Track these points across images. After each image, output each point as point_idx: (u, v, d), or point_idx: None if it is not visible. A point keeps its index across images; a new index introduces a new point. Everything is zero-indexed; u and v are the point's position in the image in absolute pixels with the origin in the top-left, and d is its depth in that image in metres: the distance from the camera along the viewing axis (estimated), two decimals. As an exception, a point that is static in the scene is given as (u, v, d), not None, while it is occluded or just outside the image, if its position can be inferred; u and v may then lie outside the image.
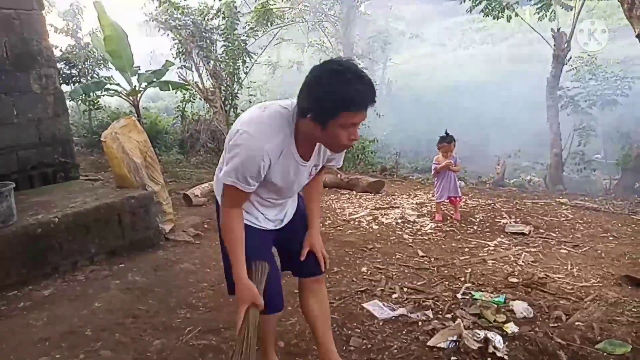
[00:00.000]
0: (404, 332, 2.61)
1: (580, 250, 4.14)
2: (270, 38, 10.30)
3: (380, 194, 6.37)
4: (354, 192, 6.53)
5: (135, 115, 8.35)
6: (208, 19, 9.30)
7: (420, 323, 2.69)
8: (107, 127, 4.49)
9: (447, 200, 5.03)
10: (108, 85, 8.66)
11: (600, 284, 3.30)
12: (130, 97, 8.61)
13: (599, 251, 4.13)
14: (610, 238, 4.55)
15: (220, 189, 1.76)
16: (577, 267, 3.67)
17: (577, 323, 2.59)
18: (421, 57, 19.01)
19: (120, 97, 8.81)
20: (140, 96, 8.65)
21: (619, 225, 5.03)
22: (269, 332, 2.11)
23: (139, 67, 8.59)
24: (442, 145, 4.84)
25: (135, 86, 8.48)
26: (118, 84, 8.75)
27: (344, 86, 1.45)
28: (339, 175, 7.08)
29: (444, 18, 23.20)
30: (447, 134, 4.87)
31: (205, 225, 4.70)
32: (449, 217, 5.04)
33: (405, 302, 3.00)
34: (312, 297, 2.08)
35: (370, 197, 6.20)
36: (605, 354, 2.31)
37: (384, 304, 2.93)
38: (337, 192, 6.71)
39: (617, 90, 8.65)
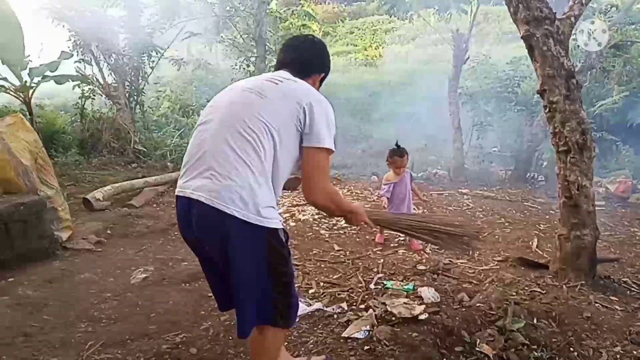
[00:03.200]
0: (319, 326, 2.63)
1: (480, 236, 4.47)
2: (177, 31, 9.83)
3: (297, 191, 6.38)
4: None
5: (28, 113, 7.55)
6: (107, 8, 8.67)
7: (335, 316, 2.72)
8: (-10, 126, 3.99)
9: None
10: (-8, 81, 7.72)
11: (498, 267, 3.58)
12: (21, 94, 7.76)
13: (497, 236, 4.49)
14: (506, 224, 4.97)
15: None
16: (478, 252, 3.95)
17: (478, 304, 2.78)
18: (333, 55, 19.38)
19: (9, 93, 7.90)
20: (33, 92, 7.84)
21: (514, 211, 5.51)
22: None
23: (30, 60, 7.78)
24: (393, 160, 4.02)
25: (26, 81, 7.66)
26: (5, 79, 7.84)
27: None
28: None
29: (354, 18, 23.88)
30: (398, 146, 4.04)
31: (109, 232, 4.39)
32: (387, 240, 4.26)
33: (322, 296, 3.03)
34: None
35: (286, 194, 6.19)
36: (503, 330, 2.50)
37: (300, 300, 2.92)
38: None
39: (508, 88, 9.45)
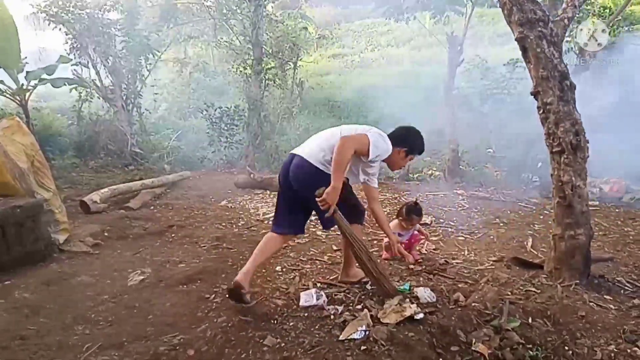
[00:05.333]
0: (316, 327, 2.63)
1: (475, 237, 4.50)
2: (175, 34, 9.85)
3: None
4: (268, 192, 6.49)
5: (24, 116, 7.54)
6: (105, 11, 8.67)
7: (332, 316, 2.73)
8: (-14, 129, 3.99)
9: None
10: (-12, 84, 7.71)
11: (493, 267, 3.60)
12: (17, 97, 7.76)
13: (492, 237, 4.52)
14: (501, 224, 5.00)
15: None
16: (473, 253, 3.98)
17: (473, 304, 2.80)
18: (329, 58, 19.41)
19: (5, 96, 7.90)
20: (29, 95, 7.84)
21: (508, 212, 5.54)
22: None
23: (27, 62, 7.78)
24: (411, 219, 3.76)
25: (22, 84, 7.66)
26: (2, 82, 7.83)
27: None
28: (252, 175, 6.99)
29: (350, 20, 23.94)
30: (416, 203, 3.85)
31: (106, 234, 4.38)
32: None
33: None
34: None
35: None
36: (498, 329, 2.52)
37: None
38: (250, 192, 6.62)
39: (504, 89, 9.50)
